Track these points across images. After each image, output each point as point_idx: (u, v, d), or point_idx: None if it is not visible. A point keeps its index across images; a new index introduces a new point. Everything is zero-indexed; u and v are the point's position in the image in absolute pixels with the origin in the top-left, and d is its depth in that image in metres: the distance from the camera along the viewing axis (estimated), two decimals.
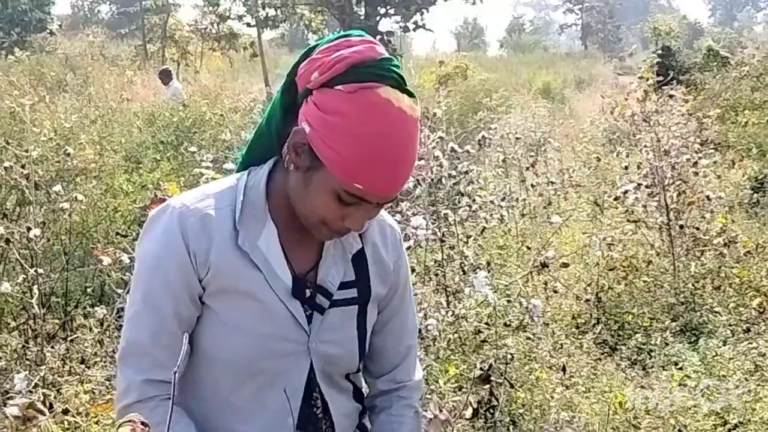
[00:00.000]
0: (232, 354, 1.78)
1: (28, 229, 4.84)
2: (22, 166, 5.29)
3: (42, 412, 1.65)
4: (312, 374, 1.84)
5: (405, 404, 2.03)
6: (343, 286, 1.87)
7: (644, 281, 6.18)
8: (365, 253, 1.91)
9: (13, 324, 5.73)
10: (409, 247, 5.34)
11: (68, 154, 5.95)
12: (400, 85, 1.66)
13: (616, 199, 6.82)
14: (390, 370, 2.04)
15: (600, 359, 5.12)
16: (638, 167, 7.06)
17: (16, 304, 5.58)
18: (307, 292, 1.83)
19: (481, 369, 2.92)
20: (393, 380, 2.04)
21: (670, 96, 7.79)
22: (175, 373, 1.34)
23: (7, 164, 5.25)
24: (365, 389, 2.07)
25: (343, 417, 1.93)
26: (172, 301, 1.75)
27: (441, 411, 2.14)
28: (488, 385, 2.92)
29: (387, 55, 1.70)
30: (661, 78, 8.81)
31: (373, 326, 1.96)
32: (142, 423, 1.40)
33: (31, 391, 3.81)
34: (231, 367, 1.79)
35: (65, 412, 2.89)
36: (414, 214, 5.53)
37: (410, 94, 1.67)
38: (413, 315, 2.08)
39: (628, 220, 6.52)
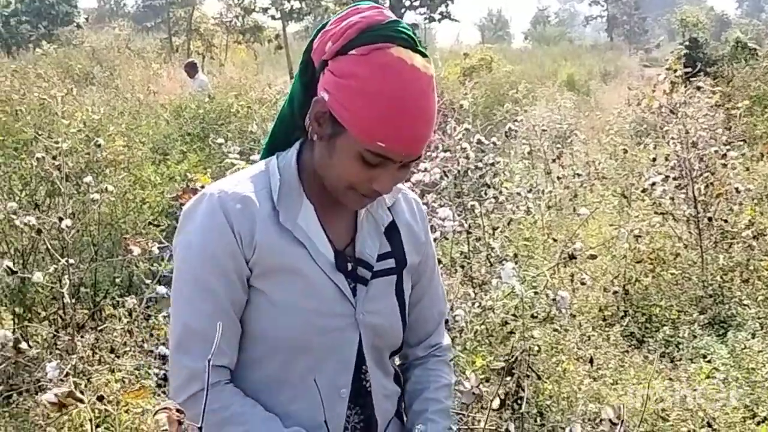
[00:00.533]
0: (283, 332, 1.80)
1: (60, 219, 4.88)
2: (53, 158, 5.32)
3: (81, 400, 1.67)
4: (360, 348, 1.88)
5: (439, 360, 2.11)
6: (381, 257, 1.92)
7: (672, 274, 6.15)
8: (396, 225, 1.97)
9: (43, 314, 5.79)
10: (435, 239, 5.34)
11: (99, 146, 5.98)
12: (411, 45, 1.71)
13: (643, 191, 6.79)
14: (426, 337, 2.11)
15: (627, 351, 5.11)
16: (666, 159, 7.03)
17: (47, 294, 5.63)
18: (348, 267, 1.86)
19: (506, 361, 2.91)
20: (429, 345, 2.11)
21: (698, 88, 7.73)
22: (209, 361, 1.36)
23: (38, 155, 5.29)
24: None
25: (384, 398, 1.97)
26: (224, 284, 1.78)
27: (477, 386, 2.23)
28: (513, 377, 2.91)
29: (395, 18, 1.76)
30: (688, 70, 8.75)
31: (410, 297, 2.01)
32: (177, 410, 1.42)
33: (62, 380, 3.84)
34: (281, 346, 1.81)
35: (100, 398, 2.91)
36: (440, 206, 5.53)
37: (423, 54, 1.72)
38: (441, 286, 2.15)
39: (656, 213, 6.49)
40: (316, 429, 1.79)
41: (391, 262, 1.93)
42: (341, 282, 1.84)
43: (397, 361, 2.10)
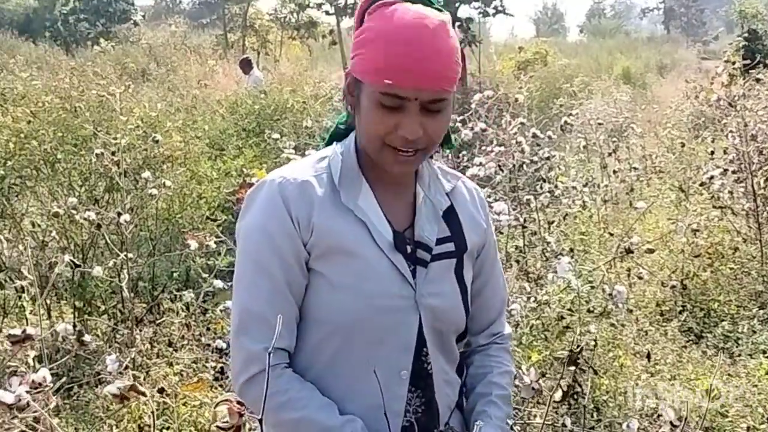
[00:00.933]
0: (342, 314, 1.82)
1: (119, 214, 4.95)
2: (112, 154, 5.40)
3: (143, 393, 1.70)
4: (421, 330, 1.88)
5: (501, 347, 2.13)
6: (440, 241, 1.93)
7: (731, 268, 6.07)
8: (455, 210, 1.99)
9: (103, 307, 5.88)
10: None
11: (156, 142, 6.06)
12: (420, 1, 1.80)
13: (701, 185, 6.70)
14: (488, 325, 2.13)
15: (685, 347, 5.05)
16: (724, 152, 6.93)
17: (106, 288, 5.72)
18: (408, 249, 1.88)
19: (570, 351, 2.90)
20: (491, 333, 2.13)
21: (757, 80, 7.62)
22: (268, 351, 1.39)
23: (98, 151, 5.36)
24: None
25: (445, 383, 1.97)
26: (283, 267, 1.81)
27: (537, 380, 2.24)
28: (574, 369, 2.90)
29: None
30: (747, 62, 8.62)
31: (472, 285, 2.02)
32: (238, 402, 1.43)
33: (121, 373, 3.90)
34: (341, 328, 1.83)
35: (161, 391, 2.95)
36: (496, 200, 5.51)
37: (438, 9, 1.81)
38: (502, 275, 2.17)
39: (714, 207, 6.40)
40: (376, 410, 1.78)
41: (450, 246, 1.94)
42: (400, 263, 1.86)
43: (460, 349, 2.10)
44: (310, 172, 1.88)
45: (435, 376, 1.92)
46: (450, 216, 1.97)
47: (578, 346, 2.81)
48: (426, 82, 1.74)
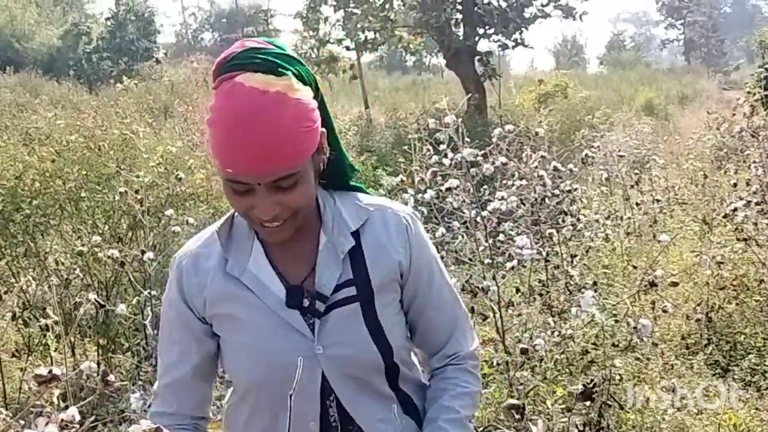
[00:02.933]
0: (244, 374, 1.90)
1: (142, 252, 4.97)
2: (136, 192, 5.44)
3: None
4: (325, 382, 1.86)
5: (457, 368, 2.04)
6: (340, 286, 1.87)
7: (756, 300, 6.02)
8: (361, 248, 1.91)
9: (126, 345, 5.89)
10: (512, 267, 5.31)
11: (180, 179, 6.09)
12: (268, 68, 1.70)
13: (725, 216, 6.65)
14: (440, 348, 2.05)
15: (712, 380, 5.01)
16: (747, 184, 6.89)
17: (130, 325, 5.74)
18: (306, 302, 1.86)
19: (584, 386, 2.87)
20: (445, 355, 2.05)
21: None
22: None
23: (121, 190, 5.40)
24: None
25: (377, 422, 1.93)
26: (175, 344, 1.95)
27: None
28: (590, 402, 2.87)
29: (259, 45, 1.75)
30: None
31: (409, 311, 2.00)
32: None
33: (145, 411, 3.90)
34: (249, 389, 1.91)
35: None
36: (518, 234, 5.50)
37: (277, 74, 1.70)
38: (450, 294, 2.05)
39: (738, 239, 6.35)
40: None
41: (351, 290, 1.88)
42: (293, 318, 1.85)
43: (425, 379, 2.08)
44: (205, 242, 1.94)
45: (359, 417, 1.90)
46: (355, 256, 1.90)
47: (593, 383, 2.77)
48: (261, 168, 1.69)
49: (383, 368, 1.92)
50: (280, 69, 1.71)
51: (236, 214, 1.91)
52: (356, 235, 1.91)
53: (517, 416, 3.02)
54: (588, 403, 4.20)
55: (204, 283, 1.88)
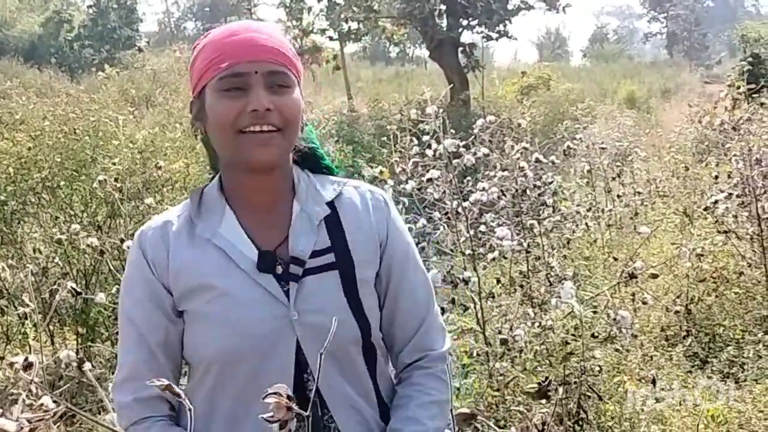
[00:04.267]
0: (214, 345, 1.76)
1: (122, 240, 4.94)
2: (115, 179, 5.40)
3: None
4: (300, 353, 1.76)
5: (425, 373, 1.91)
6: (318, 253, 1.82)
7: (735, 293, 6.04)
8: (339, 219, 1.87)
9: (106, 334, 5.86)
10: (493, 259, 5.31)
11: (159, 167, 6.06)
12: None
13: (705, 209, 6.68)
14: (409, 341, 1.93)
15: (691, 372, 5.03)
16: (728, 177, 6.92)
17: (109, 314, 5.71)
18: (280, 269, 1.79)
19: (539, 384, 2.85)
20: (414, 350, 1.93)
21: (761, 104, 7.62)
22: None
23: (100, 177, 5.36)
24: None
25: (350, 408, 1.83)
26: (144, 315, 1.80)
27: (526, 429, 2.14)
28: (574, 396, 2.86)
29: None
30: (751, 86, 8.63)
31: (385, 296, 1.90)
32: (288, 396, 1.38)
33: None
34: (213, 364, 1.77)
35: None
36: (499, 225, 5.51)
37: None
38: (424, 284, 1.97)
39: (719, 231, 6.38)
40: None
41: (330, 257, 1.82)
42: (267, 282, 1.77)
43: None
44: (175, 212, 1.88)
45: (332, 402, 1.80)
46: (331, 225, 1.86)
47: (548, 380, 2.75)
48: (261, 53, 1.76)
49: (361, 345, 1.83)
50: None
51: (205, 188, 1.88)
52: (332, 206, 1.88)
53: (470, 425, 2.97)
54: (566, 393, 4.21)
55: (169, 249, 1.80)
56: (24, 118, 8.06)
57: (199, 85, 1.80)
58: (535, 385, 2.87)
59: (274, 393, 1.35)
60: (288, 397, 1.35)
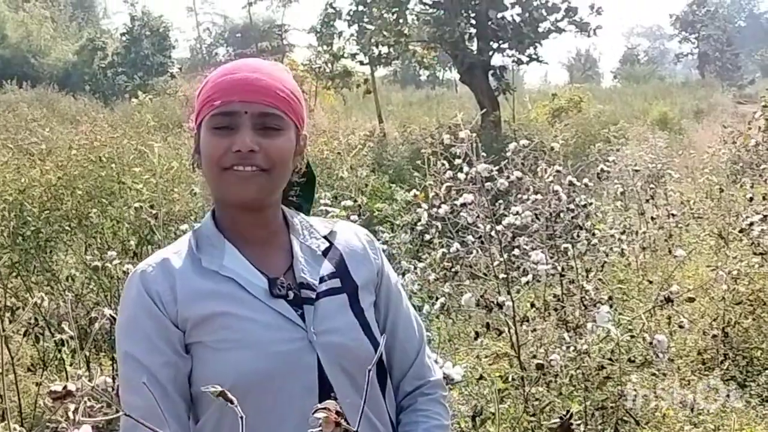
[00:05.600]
0: (233, 373, 1.72)
1: None
2: (151, 206, 5.44)
3: None
4: (323, 372, 1.78)
5: (429, 399, 1.98)
6: (324, 279, 1.87)
7: None
8: (338, 249, 1.94)
9: None
10: (527, 282, 5.30)
11: (195, 194, 6.10)
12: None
13: (741, 231, 6.62)
14: (408, 369, 1.99)
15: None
16: (763, 198, 6.86)
17: None
18: (290, 294, 1.82)
19: (560, 417, 2.81)
20: (414, 377, 1.99)
21: None
22: None
23: (136, 205, 5.40)
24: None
25: (369, 427, 1.85)
26: (155, 353, 1.75)
27: None
28: (612, 422, 2.82)
29: None
30: None
31: (382, 328, 1.94)
32: (337, 412, 1.38)
33: None
34: (236, 390, 1.61)
35: None
36: (533, 249, 5.48)
37: None
38: (416, 317, 2.07)
39: (755, 253, 6.32)
40: None
41: (336, 282, 1.88)
42: (281, 306, 1.80)
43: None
44: (171, 250, 1.87)
45: (353, 421, 1.73)
46: (331, 255, 1.92)
47: (570, 414, 2.72)
48: (253, 94, 1.78)
49: (377, 365, 1.88)
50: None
51: (198, 226, 1.91)
52: (327, 240, 1.95)
53: None
54: (603, 418, 4.18)
55: (177, 284, 1.78)
56: (51, 148, 8.14)
57: (197, 120, 1.84)
58: (557, 420, 2.83)
59: (323, 408, 1.35)
60: (337, 412, 1.35)
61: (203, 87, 1.86)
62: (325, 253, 1.92)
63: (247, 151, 1.76)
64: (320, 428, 1.35)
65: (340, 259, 1.92)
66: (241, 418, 1.38)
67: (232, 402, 1.41)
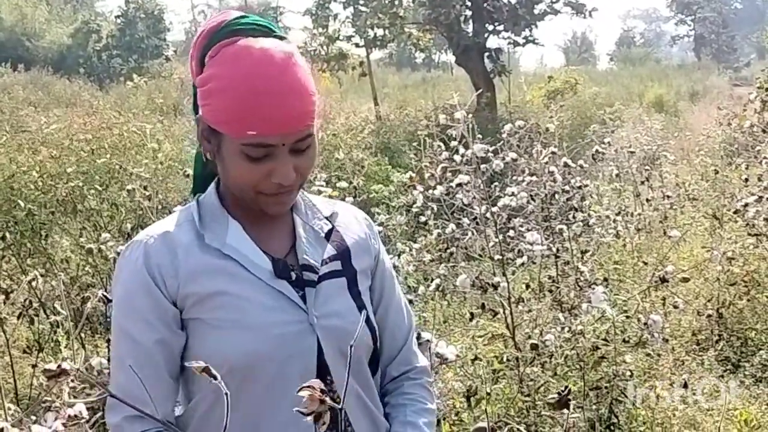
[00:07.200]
0: (234, 353, 1.71)
1: None
2: (144, 188, 5.44)
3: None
4: (322, 355, 1.77)
5: (415, 383, 1.99)
6: (325, 261, 1.85)
7: (767, 296, 5.99)
8: (338, 231, 1.92)
9: None
10: (522, 263, 5.31)
11: (188, 175, 6.10)
12: (263, 32, 1.72)
13: (735, 212, 6.63)
14: (396, 354, 1.99)
15: (723, 376, 4.99)
16: (759, 179, 6.87)
17: None
18: (293, 275, 1.80)
19: (558, 393, 2.81)
20: (401, 363, 2.00)
21: None
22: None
23: (129, 187, 5.39)
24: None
25: (363, 414, 1.85)
26: (147, 330, 1.72)
27: None
28: (566, 410, 2.80)
29: (241, 13, 1.77)
30: None
31: (375, 311, 1.94)
32: (321, 390, 1.38)
33: None
34: (236, 369, 1.69)
35: None
36: (528, 230, 5.49)
37: (279, 37, 1.73)
38: (406, 303, 2.06)
39: (749, 234, 6.33)
40: None
41: (337, 265, 1.87)
42: (284, 288, 1.78)
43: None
44: (172, 224, 1.81)
45: (349, 405, 1.79)
46: (333, 237, 1.90)
47: (568, 389, 2.72)
48: (290, 126, 1.69)
49: (371, 351, 1.89)
50: (275, 33, 1.75)
51: (201, 197, 1.86)
52: (329, 221, 1.92)
53: None
54: (597, 399, 4.20)
55: (176, 261, 1.73)
56: (46, 135, 8.11)
57: (216, 126, 1.72)
58: (555, 396, 2.83)
59: (308, 386, 1.35)
60: (321, 390, 1.35)
61: (220, 89, 1.69)
62: (327, 235, 1.90)
63: (291, 182, 1.73)
64: (305, 407, 1.35)
65: (342, 243, 1.90)
66: (226, 394, 1.36)
67: (215, 378, 1.40)
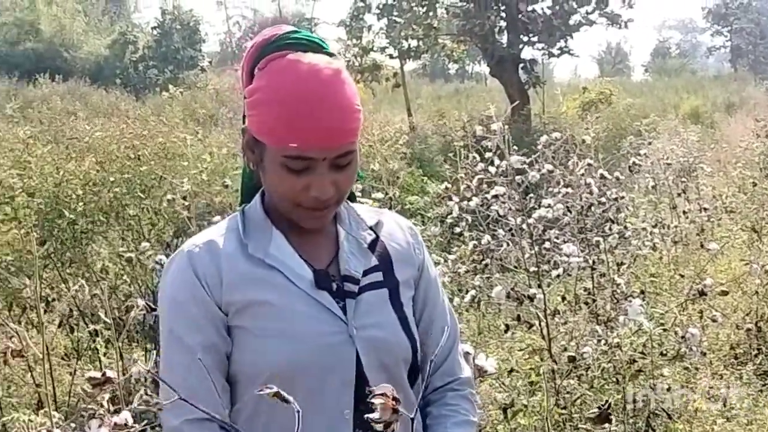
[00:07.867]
0: (274, 361, 1.74)
1: None
2: (183, 198, 5.47)
3: None
4: (360, 366, 1.79)
5: (458, 395, 1.99)
6: (367, 272, 1.87)
7: None
8: (383, 243, 1.93)
9: None
10: (558, 275, 5.29)
11: (226, 186, 6.14)
12: (312, 48, 1.75)
13: None
14: (441, 364, 1.98)
15: (762, 391, 4.95)
16: None
17: None
18: (334, 286, 1.82)
19: (599, 408, 2.82)
20: (445, 373, 1.99)
21: None
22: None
23: (169, 197, 5.44)
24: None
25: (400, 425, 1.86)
26: (198, 335, 1.76)
27: None
28: (608, 425, 2.80)
29: (294, 28, 1.79)
30: None
31: (419, 322, 1.94)
32: (394, 398, 1.39)
33: None
34: (275, 377, 1.67)
35: None
36: (564, 242, 5.47)
37: (328, 54, 1.76)
38: (451, 313, 2.06)
39: None
40: None
41: (378, 276, 1.88)
42: (325, 299, 1.80)
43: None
44: (218, 231, 1.85)
45: None
46: (376, 248, 1.91)
47: (608, 404, 2.72)
48: (332, 141, 1.72)
49: (410, 363, 1.88)
50: (325, 49, 1.78)
51: (247, 207, 1.89)
52: (373, 231, 1.93)
53: None
54: (634, 412, 4.17)
55: (222, 267, 1.77)
56: (91, 145, 8.19)
57: (260, 136, 1.76)
58: (596, 410, 2.83)
59: (381, 394, 1.35)
60: (394, 398, 1.35)
61: (266, 100, 1.74)
62: (371, 245, 1.91)
63: (328, 197, 1.76)
64: (378, 414, 1.36)
65: (385, 253, 1.92)
66: (298, 412, 1.39)
67: (287, 401, 1.41)
